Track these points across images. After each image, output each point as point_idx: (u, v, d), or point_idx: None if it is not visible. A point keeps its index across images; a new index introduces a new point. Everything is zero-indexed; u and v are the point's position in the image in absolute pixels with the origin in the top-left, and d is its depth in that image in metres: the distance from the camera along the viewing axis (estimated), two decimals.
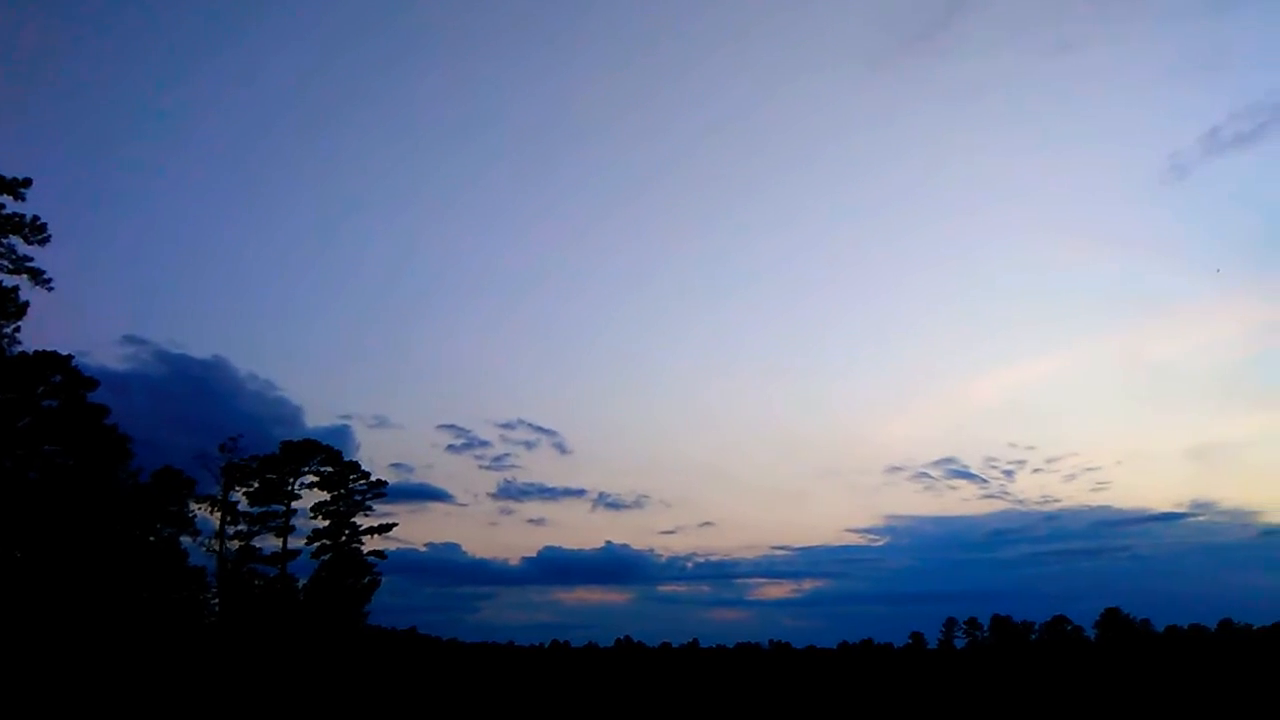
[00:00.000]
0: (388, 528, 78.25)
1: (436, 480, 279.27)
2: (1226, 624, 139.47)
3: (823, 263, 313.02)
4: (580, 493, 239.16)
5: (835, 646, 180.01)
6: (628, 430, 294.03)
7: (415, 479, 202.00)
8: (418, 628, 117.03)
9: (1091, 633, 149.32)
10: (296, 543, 74.68)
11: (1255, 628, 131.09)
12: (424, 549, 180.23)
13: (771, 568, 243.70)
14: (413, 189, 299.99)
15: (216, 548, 68.38)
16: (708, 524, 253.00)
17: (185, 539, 66.03)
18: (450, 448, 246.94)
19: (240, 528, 70.70)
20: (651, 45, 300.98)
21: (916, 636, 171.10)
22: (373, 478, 78.87)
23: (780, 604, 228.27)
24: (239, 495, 71.28)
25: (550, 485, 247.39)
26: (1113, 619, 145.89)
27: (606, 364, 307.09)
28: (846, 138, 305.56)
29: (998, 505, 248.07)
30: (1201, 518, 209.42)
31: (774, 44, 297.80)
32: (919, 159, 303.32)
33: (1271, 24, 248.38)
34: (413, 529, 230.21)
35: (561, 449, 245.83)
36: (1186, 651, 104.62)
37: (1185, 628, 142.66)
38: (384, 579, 79.03)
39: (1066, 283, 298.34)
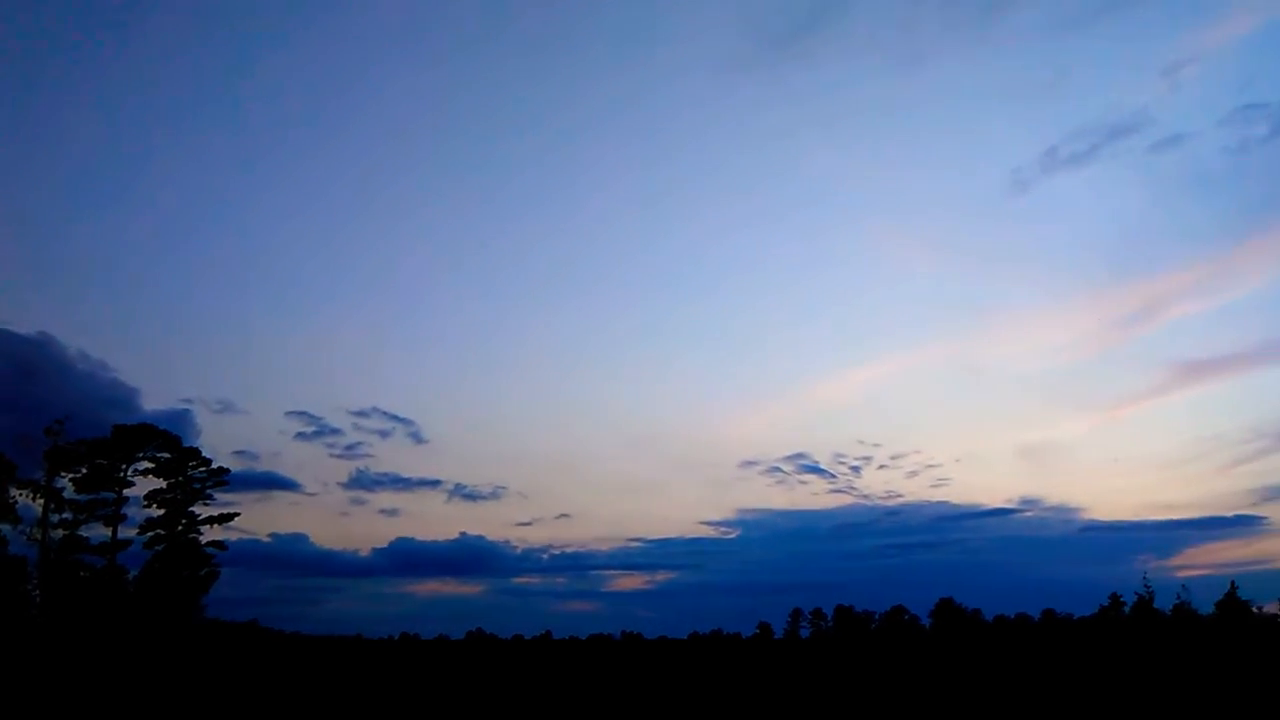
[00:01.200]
0: (229, 517, 75.28)
1: (284, 469, 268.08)
2: (1049, 614, 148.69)
3: (683, 260, 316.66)
4: (436, 483, 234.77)
5: (686, 637, 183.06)
6: (486, 421, 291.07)
7: (261, 467, 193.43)
8: (259, 620, 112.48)
9: (927, 622, 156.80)
10: (128, 532, 71.07)
11: (1075, 617, 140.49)
12: (269, 540, 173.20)
13: (627, 559, 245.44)
14: (263, 169, 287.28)
15: (39, 536, 64.46)
16: (564, 516, 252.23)
17: (4, 526, 62.11)
18: (300, 435, 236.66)
19: (66, 516, 66.83)
20: (501, 40, 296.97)
21: (764, 626, 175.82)
22: (214, 465, 75.75)
23: (634, 595, 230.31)
24: (65, 481, 67.36)
25: (405, 475, 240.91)
26: (946, 609, 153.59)
27: (466, 354, 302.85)
28: (704, 137, 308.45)
29: (845, 499, 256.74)
30: (1029, 513, 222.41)
31: (631, 43, 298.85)
32: (776, 161, 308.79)
33: (1106, 50, 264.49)
34: (257, 519, 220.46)
35: (417, 438, 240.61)
36: (1012, 639, 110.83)
37: (1012, 617, 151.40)
38: (225, 571, 75.99)
39: (915, 288, 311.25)
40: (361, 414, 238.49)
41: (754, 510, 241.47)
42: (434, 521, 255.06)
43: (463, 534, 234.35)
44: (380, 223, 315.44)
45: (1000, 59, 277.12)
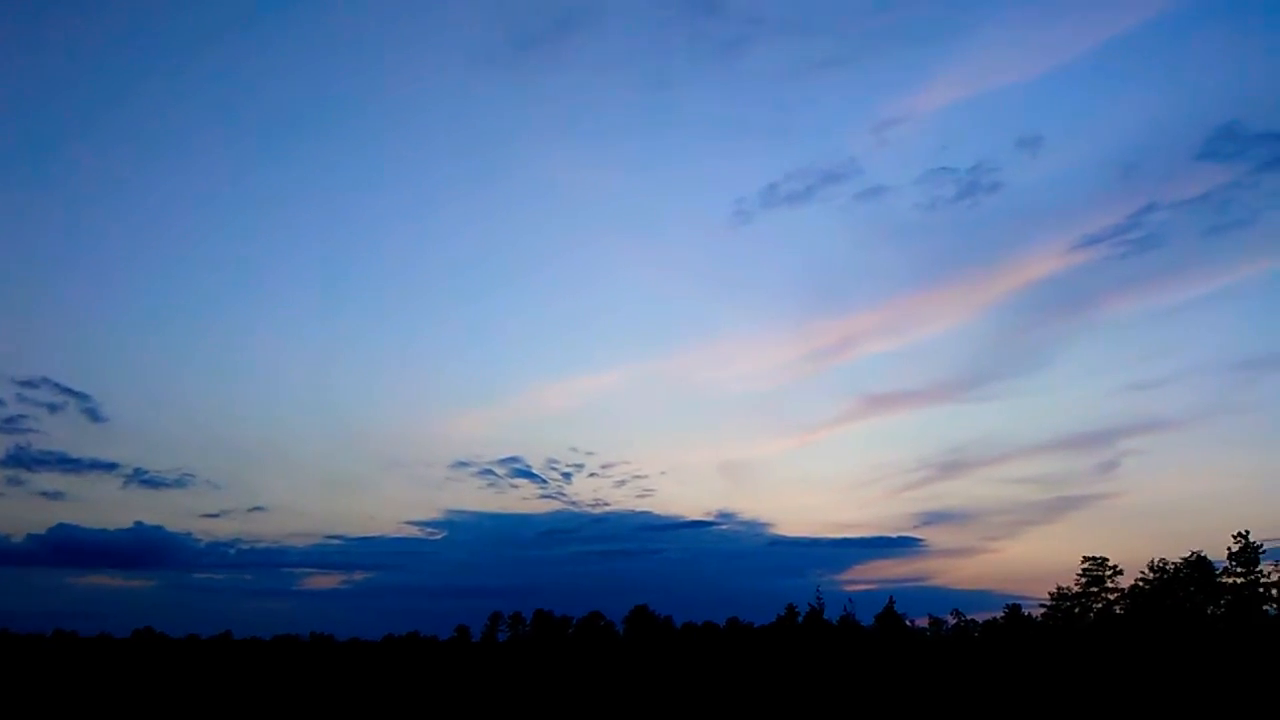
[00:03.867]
0: None
1: None
2: (734, 622, 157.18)
3: (409, 255, 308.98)
4: (112, 466, 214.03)
5: (380, 639, 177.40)
6: (176, 401, 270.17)
7: None
8: None
9: (621, 628, 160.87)
10: None
11: (756, 626, 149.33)
12: None
13: (324, 557, 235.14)
14: None
15: None
16: (258, 508, 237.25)
17: None
18: None
19: None
20: (251, 30, 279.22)
21: (462, 630, 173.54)
22: None
23: (329, 595, 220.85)
24: None
25: (75, 455, 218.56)
26: (640, 616, 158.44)
27: (158, 327, 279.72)
28: (446, 131, 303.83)
29: (554, 505, 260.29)
30: (725, 527, 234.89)
31: (380, 34, 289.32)
32: (516, 163, 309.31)
33: (829, 102, 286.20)
34: None
35: (94, 415, 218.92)
36: (697, 646, 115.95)
37: (700, 624, 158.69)
38: None
39: (641, 304, 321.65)
40: (29, 384, 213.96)
41: (463, 512, 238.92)
42: (106, 508, 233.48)
43: (138, 523, 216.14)
44: (72, 185, 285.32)
45: (736, 95, 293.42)
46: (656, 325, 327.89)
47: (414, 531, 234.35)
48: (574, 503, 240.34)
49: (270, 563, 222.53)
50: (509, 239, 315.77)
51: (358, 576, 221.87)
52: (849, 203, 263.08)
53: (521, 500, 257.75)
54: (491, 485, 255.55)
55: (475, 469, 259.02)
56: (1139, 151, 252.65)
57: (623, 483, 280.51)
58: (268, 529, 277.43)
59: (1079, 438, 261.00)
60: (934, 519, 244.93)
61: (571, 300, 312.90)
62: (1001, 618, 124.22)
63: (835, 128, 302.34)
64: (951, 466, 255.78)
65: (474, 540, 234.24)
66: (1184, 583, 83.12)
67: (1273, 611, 78.26)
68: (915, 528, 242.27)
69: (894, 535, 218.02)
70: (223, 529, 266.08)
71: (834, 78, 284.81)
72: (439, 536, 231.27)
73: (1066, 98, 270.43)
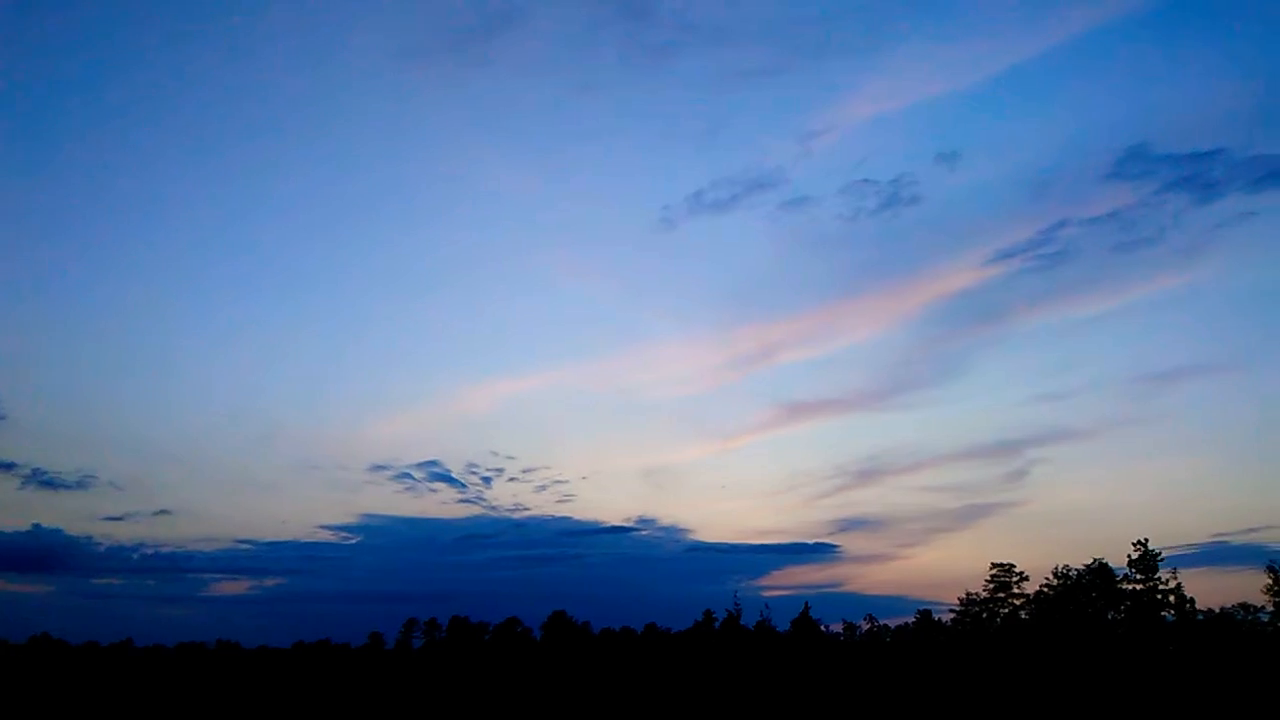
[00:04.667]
0: None
1: None
2: (652, 628, 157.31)
3: (329, 256, 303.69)
4: (9, 465, 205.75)
5: (290, 646, 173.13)
6: (78, 400, 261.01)
7: None
8: None
9: (538, 634, 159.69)
10: None
11: (673, 631, 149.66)
12: None
13: (233, 563, 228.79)
14: None
15: None
16: (164, 512, 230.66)
17: None
18: None
19: None
20: (177, 23, 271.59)
21: (375, 637, 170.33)
22: None
23: (237, 601, 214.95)
24: None
25: None
26: (558, 621, 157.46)
27: (59, 325, 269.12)
28: (372, 130, 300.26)
29: (473, 510, 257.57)
30: (644, 533, 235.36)
31: (309, 27, 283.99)
32: (444, 164, 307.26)
33: (757, 112, 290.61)
34: None
35: None
36: (614, 651, 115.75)
37: (618, 630, 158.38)
38: None
39: (564, 308, 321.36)
40: None
41: (379, 516, 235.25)
42: (2, 509, 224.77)
43: (36, 525, 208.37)
44: None
45: (666, 101, 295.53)
46: (580, 330, 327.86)
47: (328, 536, 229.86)
48: (493, 508, 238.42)
49: (175, 567, 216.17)
50: (434, 241, 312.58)
51: (268, 582, 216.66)
52: (774, 211, 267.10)
53: (440, 505, 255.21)
54: (409, 489, 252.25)
55: (393, 472, 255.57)
56: (1052, 170, 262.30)
57: (543, 488, 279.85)
58: (173, 532, 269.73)
59: (990, 447, 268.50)
60: (850, 526, 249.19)
61: (495, 304, 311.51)
62: (913, 622, 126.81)
63: (762, 137, 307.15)
64: (867, 474, 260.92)
65: (390, 545, 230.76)
66: (1086, 589, 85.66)
67: (1170, 618, 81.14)
68: (831, 534, 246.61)
69: (811, 542, 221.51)
70: (126, 532, 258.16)
71: (762, 87, 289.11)
72: (354, 541, 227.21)
73: (984, 116, 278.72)
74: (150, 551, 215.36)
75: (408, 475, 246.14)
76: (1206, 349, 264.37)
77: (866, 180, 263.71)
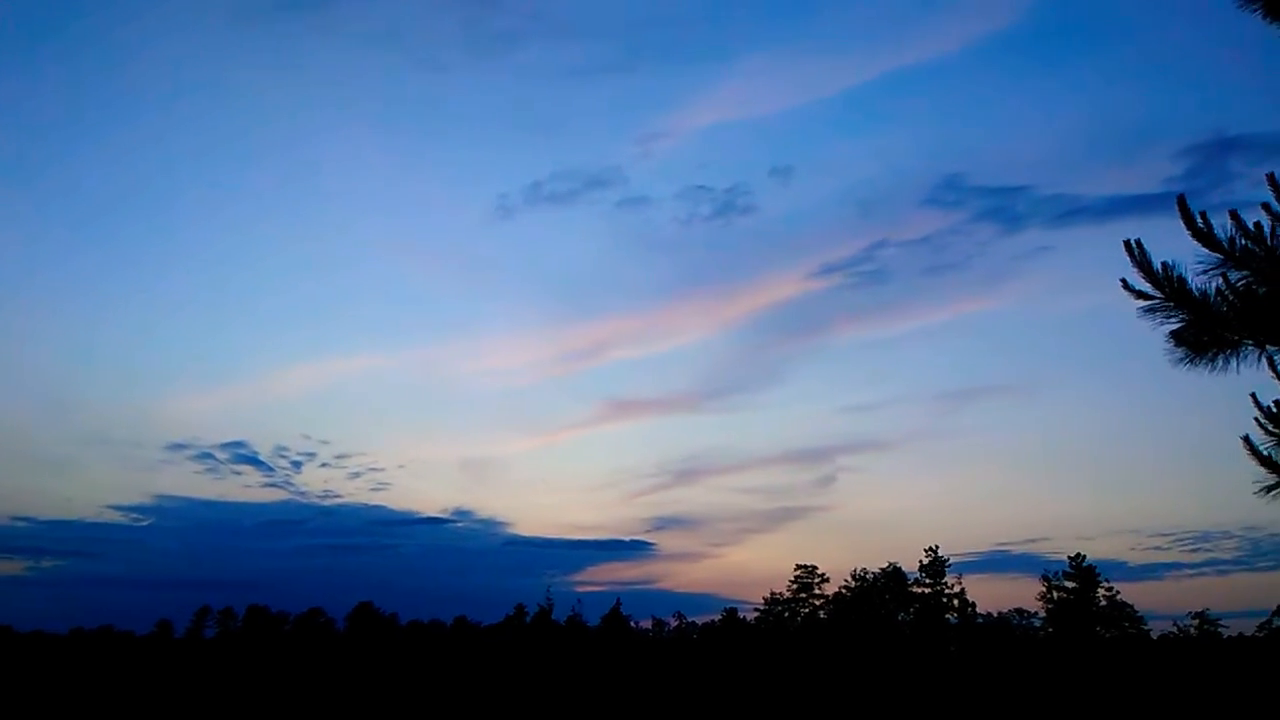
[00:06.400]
0: None
1: None
2: (461, 620, 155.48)
3: (135, 219, 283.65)
4: None
5: (67, 633, 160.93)
6: None
7: None
8: None
9: (343, 625, 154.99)
10: None
11: (483, 625, 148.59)
12: None
13: (7, 541, 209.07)
14: None
15: None
16: None
17: None
18: None
19: None
20: None
21: (164, 625, 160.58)
22: None
23: (11, 582, 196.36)
24: None
25: None
26: (364, 612, 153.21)
27: None
28: (202, 93, 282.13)
29: (279, 495, 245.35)
30: (461, 524, 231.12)
31: None
32: (276, 134, 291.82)
33: (599, 107, 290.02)
34: None
35: None
36: (421, 643, 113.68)
37: (427, 622, 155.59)
38: None
39: (393, 290, 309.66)
40: None
41: (175, 498, 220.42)
42: None
43: None
44: None
45: (509, 89, 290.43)
46: (405, 314, 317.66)
47: (117, 517, 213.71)
48: (302, 493, 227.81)
49: None
50: (257, 210, 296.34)
51: (46, 564, 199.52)
52: (611, 209, 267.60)
53: (243, 488, 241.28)
54: (210, 471, 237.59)
55: (193, 452, 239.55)
56: (876, 191, 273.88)
57: (357, 474, 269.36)
58: None
59: (802, 453, 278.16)
60: (666, 524, 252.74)
61: (316, 282, 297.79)
62: (719, 620, 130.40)
63: (603, 134, 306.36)
64: (685, 474, 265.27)
65: (186, 529, 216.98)
66: (880, 591, 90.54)
67: (954, 620, 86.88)
68: (647, 531, 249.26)
69: (627, 538, 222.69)
70: None
71: (606, 84, 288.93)
72: (146, 523, 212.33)
73: (817, 133, 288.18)
74: None
75: (210, 455, 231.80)
76: (1000, 371, 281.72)
77: (702, 187, 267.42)
